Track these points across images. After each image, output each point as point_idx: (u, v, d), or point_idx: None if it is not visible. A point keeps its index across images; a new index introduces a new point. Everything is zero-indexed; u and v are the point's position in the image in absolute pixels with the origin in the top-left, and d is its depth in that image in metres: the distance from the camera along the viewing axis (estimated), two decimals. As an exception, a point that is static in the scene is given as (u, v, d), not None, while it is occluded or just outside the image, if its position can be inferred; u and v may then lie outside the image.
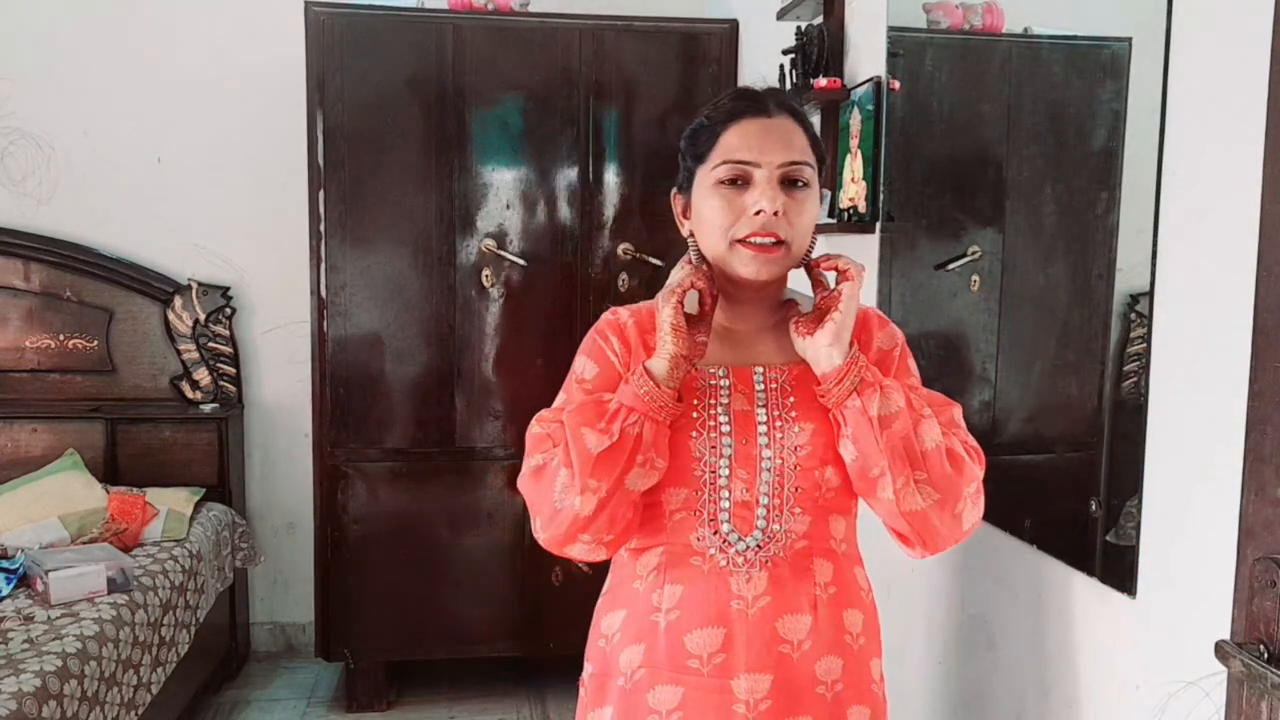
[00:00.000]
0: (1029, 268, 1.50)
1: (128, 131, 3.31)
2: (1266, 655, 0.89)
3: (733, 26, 3.02)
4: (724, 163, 1.19)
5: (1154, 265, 1.14)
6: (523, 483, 1.23)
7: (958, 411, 1.23)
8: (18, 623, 2.28)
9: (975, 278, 1.61)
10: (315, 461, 2.99)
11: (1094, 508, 1.29)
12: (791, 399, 1.22)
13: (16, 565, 2.54)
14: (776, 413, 1.21)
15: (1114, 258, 1.26)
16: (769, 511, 1.20)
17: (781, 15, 2.31)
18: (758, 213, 1.16)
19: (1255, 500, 0.92)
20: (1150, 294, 1.15)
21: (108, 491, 2.94)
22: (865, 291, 2.01)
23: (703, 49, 3.02)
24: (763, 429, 1.21)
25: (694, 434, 1.20)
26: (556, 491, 1.16)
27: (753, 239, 1.17)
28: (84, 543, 2.75)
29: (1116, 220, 1.25)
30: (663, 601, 1.21)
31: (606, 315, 1.31)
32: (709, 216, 1.20)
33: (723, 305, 1.26)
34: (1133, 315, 1.22)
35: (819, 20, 2.19)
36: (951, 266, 1.67)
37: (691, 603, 1.20)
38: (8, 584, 2.48)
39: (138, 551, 2.78)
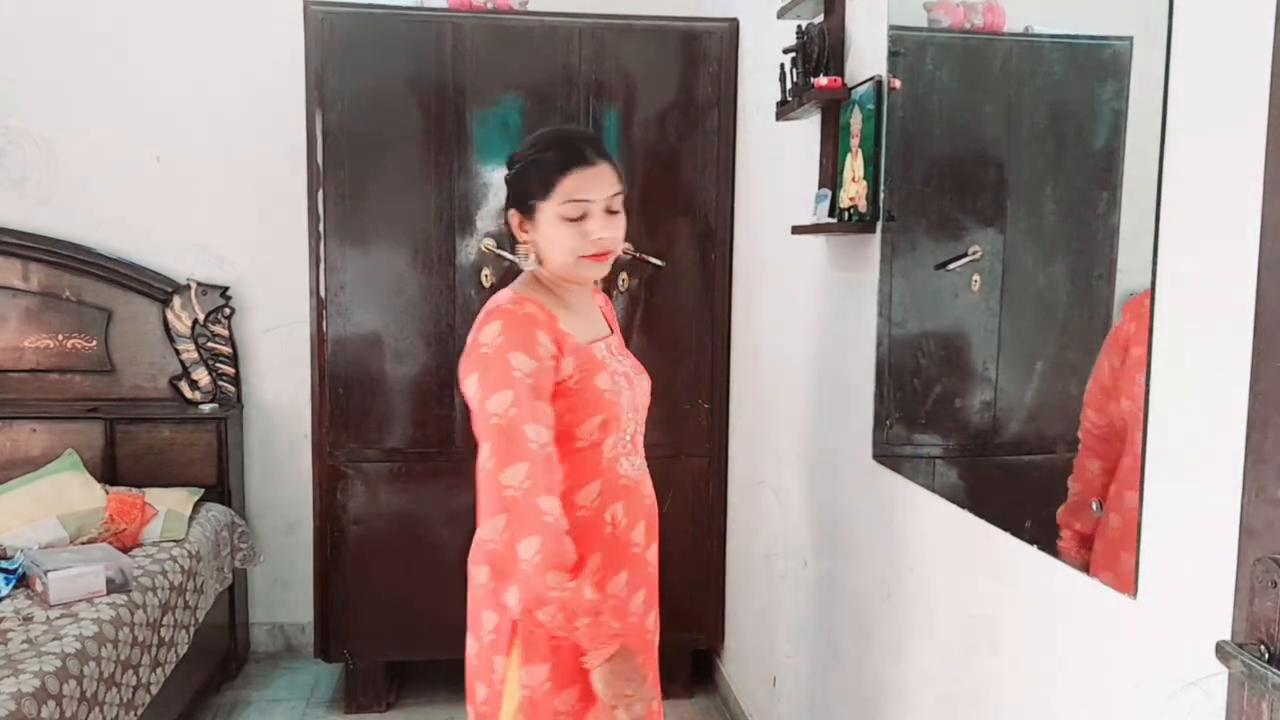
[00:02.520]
0: (1030, 268, 1.50)
1: (127, 131, 3.31)
2: (1267, 656, 0.89)
3: (733, 25, 3.02)
4: (568, 201, 1.56)
5: (1155, 265, 1.14)
6: (515, 491, 1.47)
7: None
8: (17, 623, 2.28)
9: (976, 277, 1.61)
10: (314, 462, 2.99)
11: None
12: (629, 360, 1.72)
13: (15, 565, 2.54)
14: (628, 370, 1.69)
15: (1115, 258, 1.25)
16: (642, 434, 1.70)
17: (782, 14, 2.30)
18: (598, 239, 1.58)
19: (1256, 500, 0.92)
20: (1151, 294, 1.15)
21: (107, 492, 2.94)
22: (863, 293, 2.01)
23: (703, 48, 3.02)
24: (634, 383, 1.68)
25: (623, 392, 1.62)
26: (531, 548, 1.45)
27: (594, 254, 1.59)
28: (83, 543, 2.76)
29: (1117, 220, 1.25)
30: (614, 516, 1.62)
31: (512, 308, 1.54)
32: (560, 241, 1.58)
33: (567, 295, 1.64)
34: (1133, 315, 1.22)
35: (819, 19, 2.19)
36: (952, 266, 1.67)
37: (631, 510, 1.65)
38: (7, 584, 2.47)
39: (137, 552, 2.78)
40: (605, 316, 1.77)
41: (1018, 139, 1.52)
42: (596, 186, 1.58)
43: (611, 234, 1.60)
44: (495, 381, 1.47)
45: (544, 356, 1.50)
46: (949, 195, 1.74)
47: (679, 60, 3.03)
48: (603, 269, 1.63)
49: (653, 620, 1.77)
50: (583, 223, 1.57)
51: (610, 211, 1.60)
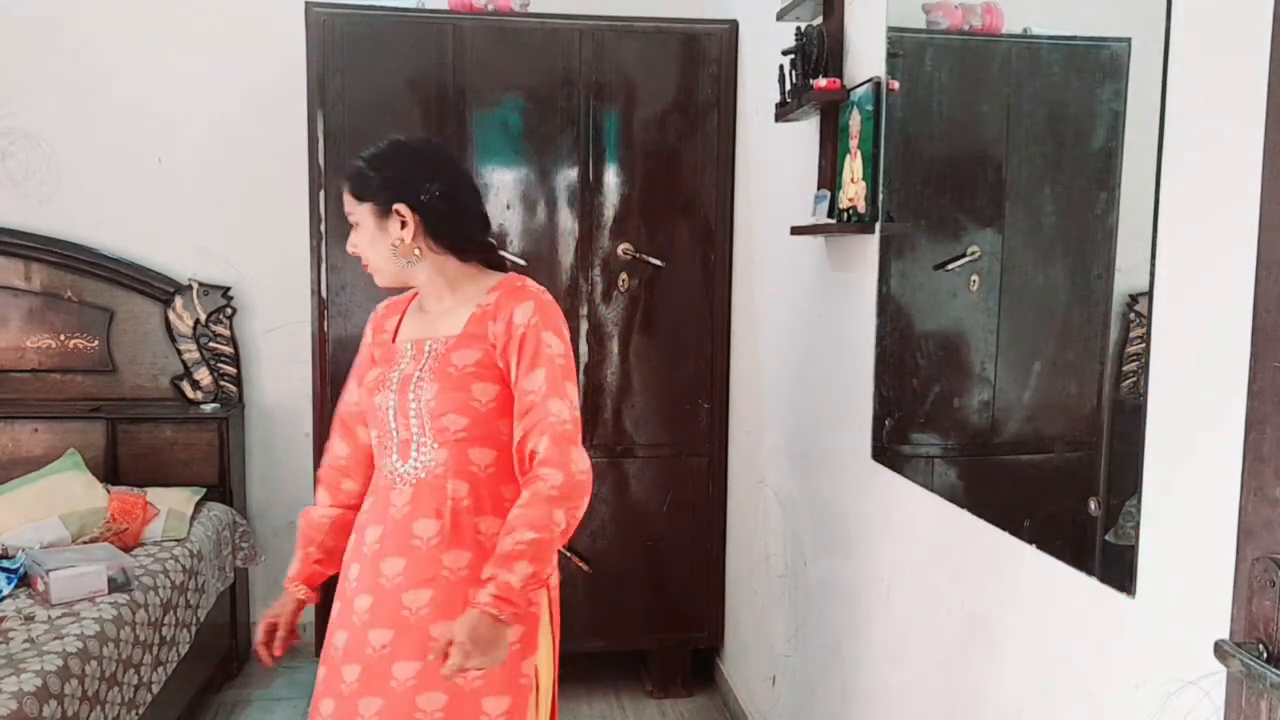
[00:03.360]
0: (1028, 268, 1.50)
1: (129, 132, 3.32)
2: (1265, 655, 0.89)
3: (732, 27, 3.02)
4: None
5: (1153, 265, 1.14)
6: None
7: (555, 405, 1.56)
8: (19, 622, 2.29)
9: (975, 278, 1.61)
10: (315, 461, 2.99)
11: (1093, 507, 1.29)
12: (434, 364, 1.64)
13: (17, 565, 2.54)
14: (420, 374, 1.64)
15: (1113, 258, 1.26)
16: (417, 446, 1.63)
17: (781, 16, 2.31)
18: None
19: (1254, 500, 0.92)
20: (1149, 294, 1.15)
21: (108, 491, 2.95)
22: (862, 293, 2.01)
23: (702, 49, 3.03)
24: (411, 387, 1.64)
25: (377, 392, 1.68)
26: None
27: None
28: (85, 542, 2.76)
29: (1115, 220, 1.25)
30: (365, 505, 1.72)
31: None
32: None
33: (421, 297, 1.74)
34: (1132, 315, 1.22)
35: (819, 21, 2.19)
36: (951, 266, 1.68)
37: (372, 509, 1.69)
38: (9, 583, 2.48)
39: (138, 551, 2.78)
40: (475, 317, 1.64)
41: (1016, 140, 1.52)
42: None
43: (351, 250, 1.72)
44: None
45: (364, 345, 1.84)
46: (948, 196, 1.74)
47: (679, 62, 3.03)
48: (375, 279, 1.73)
49: (380, 642, 1.60)
50: None
51: (353, 228, 1.71)
